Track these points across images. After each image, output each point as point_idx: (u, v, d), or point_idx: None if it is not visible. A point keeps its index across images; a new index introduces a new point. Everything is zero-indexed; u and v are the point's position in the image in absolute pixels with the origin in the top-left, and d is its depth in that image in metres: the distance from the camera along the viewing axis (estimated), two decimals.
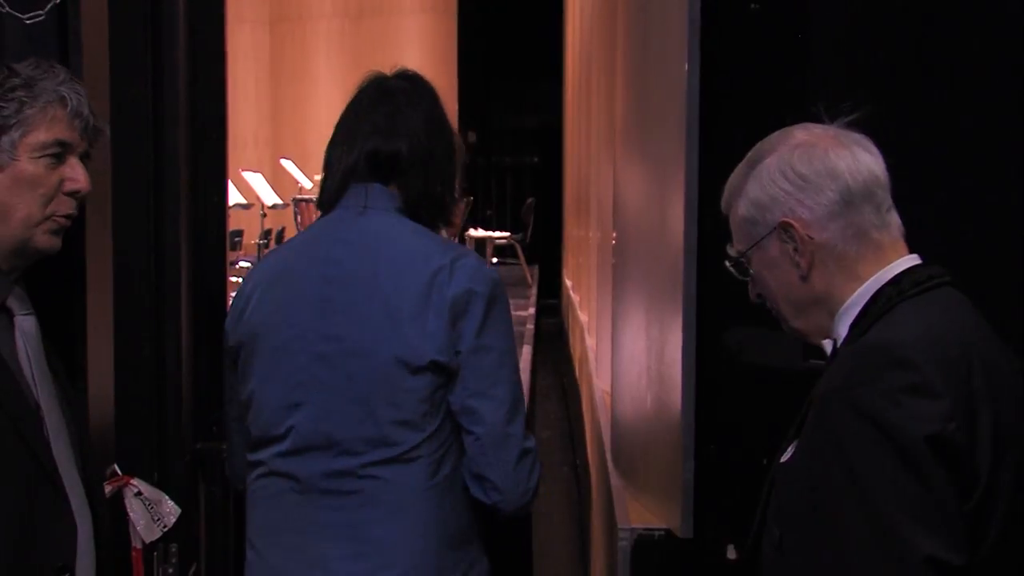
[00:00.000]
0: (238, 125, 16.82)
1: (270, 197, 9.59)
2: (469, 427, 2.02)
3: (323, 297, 2.05)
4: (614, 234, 3.67)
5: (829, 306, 1.60)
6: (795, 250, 1.56)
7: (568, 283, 11.89)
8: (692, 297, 2.39)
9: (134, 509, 2.20)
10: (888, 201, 1.56)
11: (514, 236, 12.33)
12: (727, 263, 1.72)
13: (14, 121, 1.72)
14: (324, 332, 2.03)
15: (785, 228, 1.55)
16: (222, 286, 3.36)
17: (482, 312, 2.02)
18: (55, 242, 1.80)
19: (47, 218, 1.77)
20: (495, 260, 13.17)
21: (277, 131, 16.72)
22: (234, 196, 9.41)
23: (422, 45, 17.07)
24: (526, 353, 6.85)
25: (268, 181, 11.79)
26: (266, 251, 11.75)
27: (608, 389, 4.17)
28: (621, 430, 3.41)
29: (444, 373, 1.99)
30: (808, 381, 2.32)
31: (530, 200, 13.26)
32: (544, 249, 15.86)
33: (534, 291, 11.50)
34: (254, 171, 10.12)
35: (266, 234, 13.52)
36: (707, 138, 2.39)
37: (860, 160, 1.54)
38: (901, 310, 1.50)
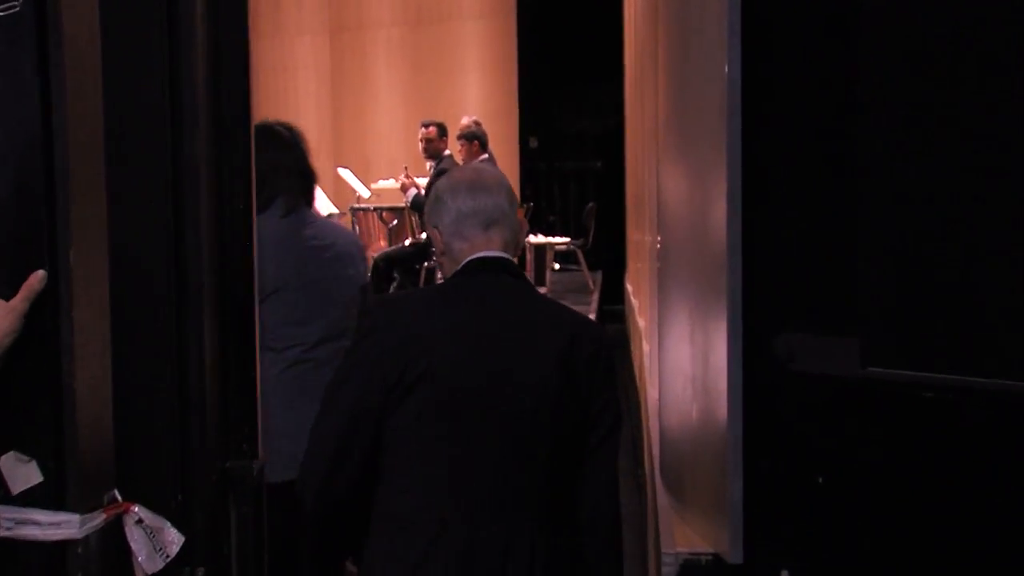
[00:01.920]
0: None
1: (326, 207, 9.49)
2: None
3: (303, 260, 3.48)
4: (659, 237, 3.49)
5: None
6: (436, 244, 2.41)
7: (629, 288, 11.69)
8: (737, 301, 2.20)
9: (135, 539, 2.06)
10: (493, 219, 2.34)
11: (575, 242, 12.12)
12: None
13: None
14: (314, 280, 3.47)
15: (431, 230, 2.41)
16: (250, 295, 3.21)
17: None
18: None
19: None
20: (556, 266, 12.99)
21: (339, 141, 16.70)
22: None
23: (482, 51, 16.96)
24: None
25: (330, 190, 11.73)
26: None
27: (658, 397, 3.98)
28: (667, 443, 3.21)
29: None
30: (867, 389, 2.14)
31: (591, 205, 13.03)
32: (608, 254, 15.64)
33: (595, 297, 11.28)
34: None
35: None
36: (750, 131, 2.21)
37: (476, 196, 2.34)
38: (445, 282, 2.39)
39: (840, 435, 2.15)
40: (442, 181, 2.44)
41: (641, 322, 7.27)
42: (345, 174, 10.18)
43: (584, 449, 2.20)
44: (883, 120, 2.06)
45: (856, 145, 2.10)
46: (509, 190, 2.41)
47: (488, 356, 2.21)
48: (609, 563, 2.24)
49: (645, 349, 6.00)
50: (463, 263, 2.33)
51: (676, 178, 3.05)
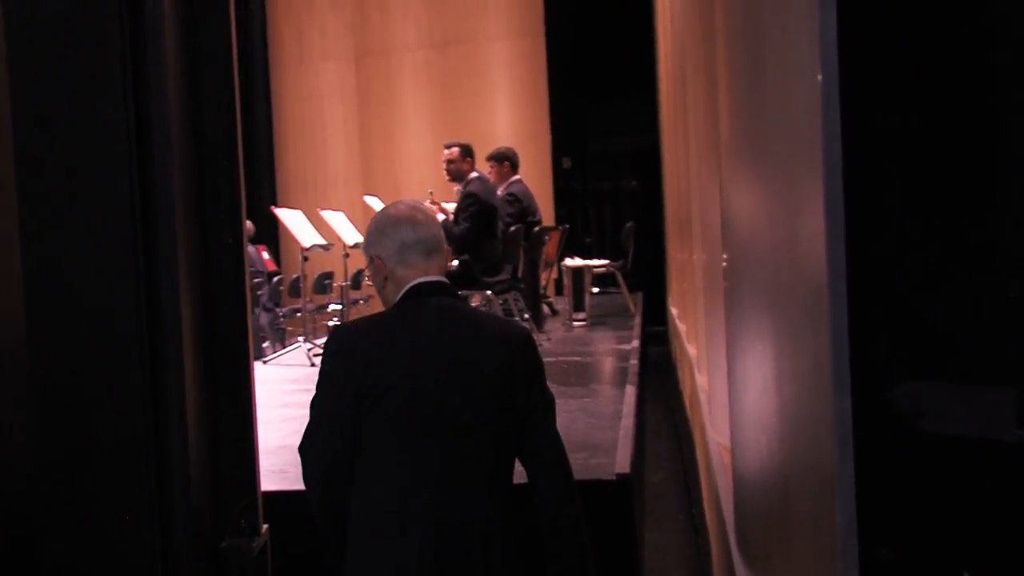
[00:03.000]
0: (328, 165, 16.57)
1: (352, 236, 9.07)
2: None
3: None
4: (724, 255, 3.00)
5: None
6: (377, 271, 2.70)
7: (674, 311, 11.18)
8: (843, 339, 1.70)
9: None
10: (432, 248, 2.68)
11: (614, 263, 11.62)
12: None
13: None
14: None
15: (373, 258, 2.71)
16: (243, 344, 2.75)
17: None
18: None
19: None
20: (595, 290, 12.49)
21: (367, 168, 16.36)
22: (314, 237, 8.92)
23: (511, 71, 16.57)
24: (630, 394, 6.14)
25: (359, 219, 11.32)
26: (351, 292, 11.24)
27: (726, 444, 3.47)
28: (747, 512, 2.71)
29: None
30: None
31: (629, 224, 12.53)
32: (648, 275, 15.14)
33: (638, 320, 10.73)
34: (335, 210, 9.61)
35: (357, 275, 13.06)
36: (850, 126, 1.72)
37: (416, 229, 2.66)
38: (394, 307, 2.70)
39: (990, 516, 1.64)
40: (381, 215, 2.74)
41: (691, 349, 6.77)
42: (372, 202, 9.75)
43: (526, 429, 2.62)
44: None
45: (999, 134, 1.61)
46: (438, 222, 2.78)
47: (440, 369, 2.56)
48: (565, 495, 2.65)
49: (700, 382, 5.51)
50: (406, 288, 2.66)
51: (747, 188, 2.57)
